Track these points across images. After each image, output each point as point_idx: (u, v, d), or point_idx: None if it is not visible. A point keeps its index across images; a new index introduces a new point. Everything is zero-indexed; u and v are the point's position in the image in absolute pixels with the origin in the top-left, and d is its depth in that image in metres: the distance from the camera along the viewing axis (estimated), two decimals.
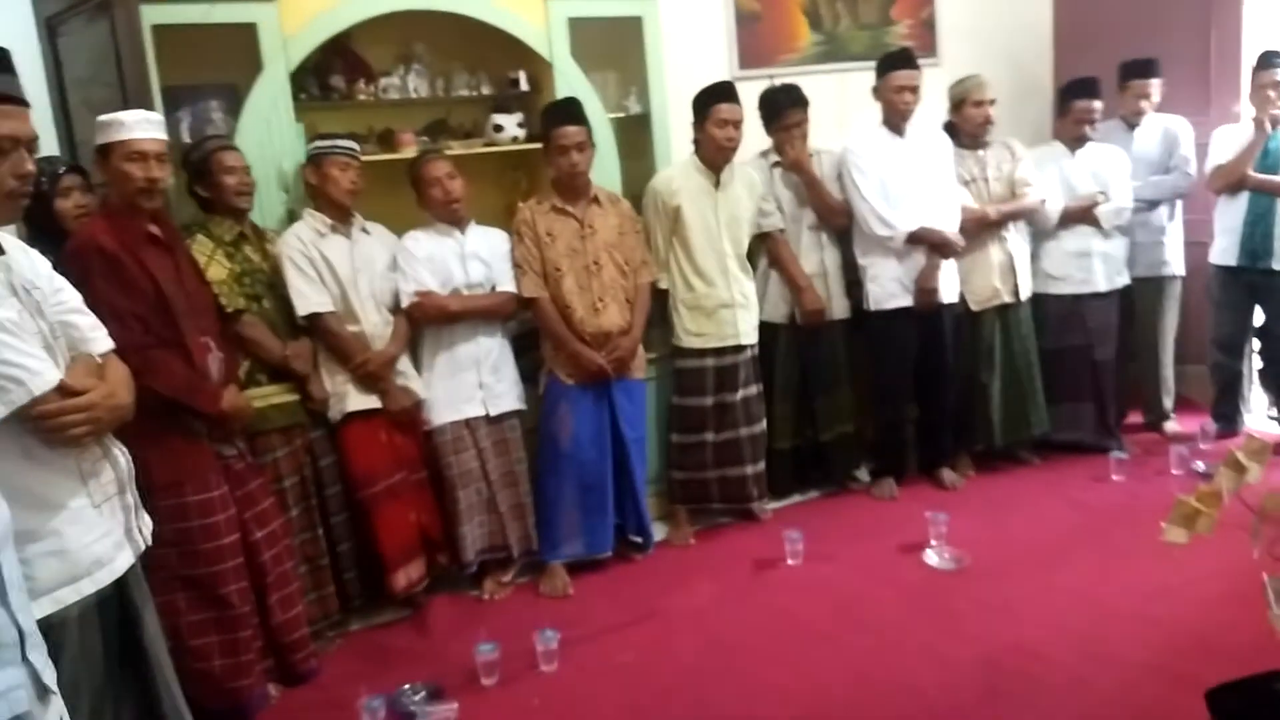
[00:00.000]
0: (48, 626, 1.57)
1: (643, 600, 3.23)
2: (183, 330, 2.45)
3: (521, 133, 3.57)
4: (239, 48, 3.08)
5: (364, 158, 3.18)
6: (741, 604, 3.17)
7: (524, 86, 3.61)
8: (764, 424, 3.77)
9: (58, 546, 1.62)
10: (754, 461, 3.74)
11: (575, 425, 3.37)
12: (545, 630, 2.86)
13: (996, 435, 4.08)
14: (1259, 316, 4.14)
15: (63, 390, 1.64)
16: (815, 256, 3.84)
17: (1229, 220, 4.05)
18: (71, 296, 1.82)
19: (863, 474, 4.08)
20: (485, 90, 3.64)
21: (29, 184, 1.65)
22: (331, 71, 3.42)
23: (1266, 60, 3.82)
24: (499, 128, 3.55)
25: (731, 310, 3.63)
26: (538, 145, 3.42)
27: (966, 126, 3.94)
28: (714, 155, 3.57)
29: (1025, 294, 4.03)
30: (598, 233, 3.36)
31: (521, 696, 2.71)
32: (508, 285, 3.28)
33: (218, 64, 3.18)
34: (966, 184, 3.93)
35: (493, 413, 3.28)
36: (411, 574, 3.14)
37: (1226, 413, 4.28)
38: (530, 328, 3.44)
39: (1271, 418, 4.22)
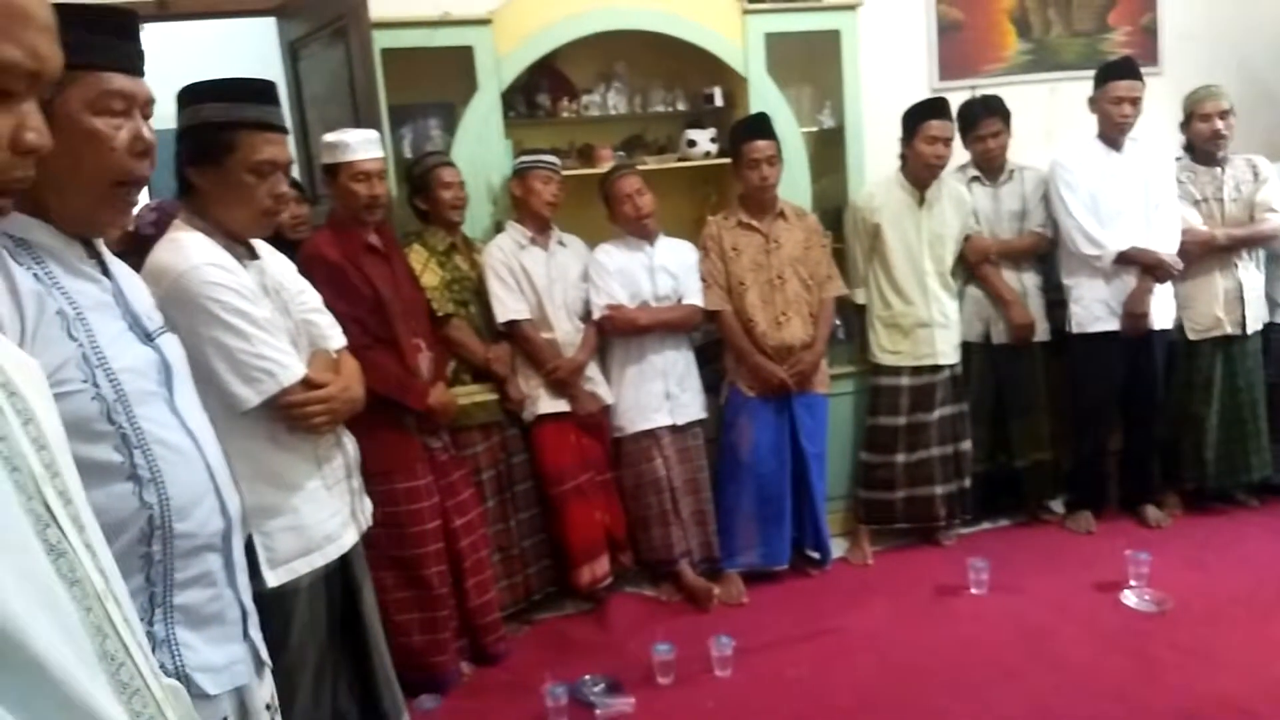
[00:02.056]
0: (283, 594, 1.77)
1: (817, 615, 3.22)
2: (397, 332, 2.68)
3: (714, 148, 3.64)
4: (456, 69, 3.32)
5: (564, 172, 3.35)
6: (919, 629, 3.11)
7: (718, 102, 3.68)
8: (965, 444, 3.68)
9: (295, 523, 1.82)
10: (945, 482, 3.65)
11: (755, 436, 3.41)
12: (721, 636, 2.91)
13: (1210, 474, 3.79)
14: None
15: (307, 383, 1.83)
16: (1013, 276, 3.71)
17: None
18: (313, 297, 2.03)
19: (1057, 505, 3.90)
20: (680, 106, 3.74)
21: (283, 204, 1.85)
22: (538, 90, 3.61)
23: None
24: (692, 143, 3.65)
25: (930, 329, 3.57)
26: (728, 160, 3.49)
27: (1196, 141, 3.69)
28: (921, 172, 3.53)
29: (1254, 326, 3.71)
30: (783, 247, 3.38)
31: (696, 698, 2.77)
32: (694, 298, 3.36)
33: (437, 84, 3.44)
34: (1197, 203, 3.68)
35: (678, 422, 3.37)
36: (596, 570, 3.27)
37: None
38: (714, 339, 3.51)
39: None
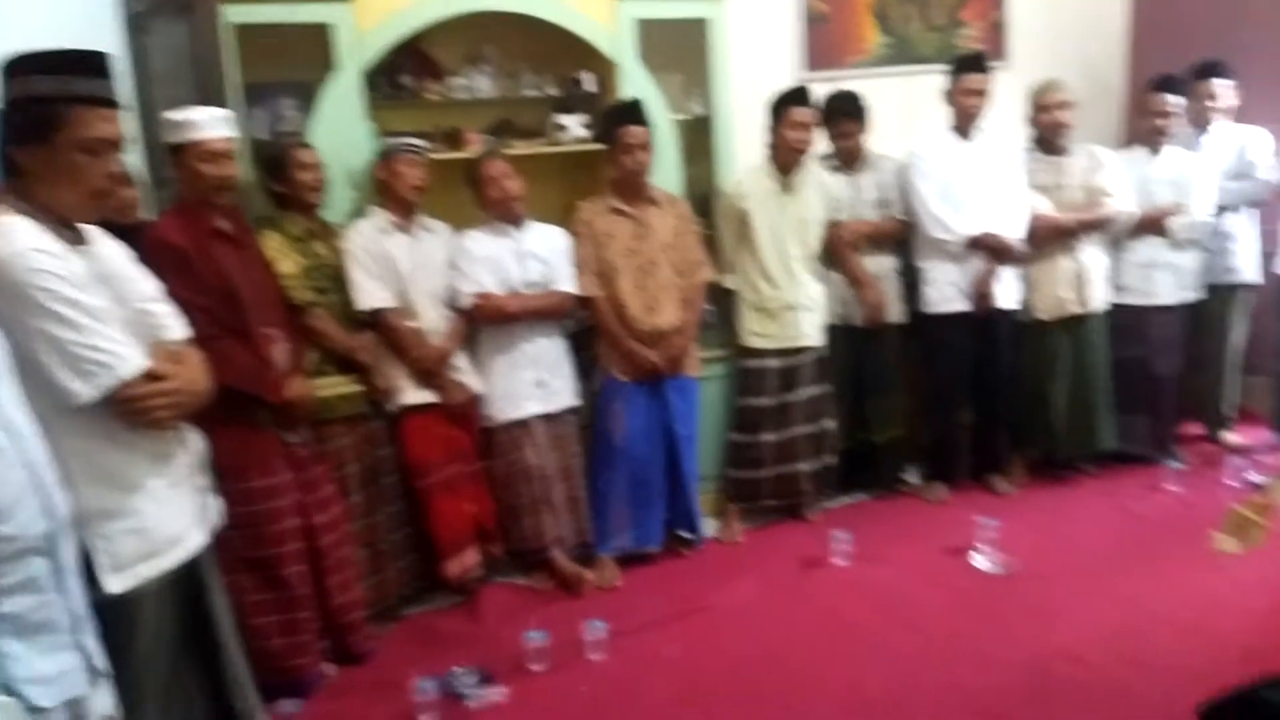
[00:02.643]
0: (126, 601, 1.68)
1: (690, 595, 3.28)
2: (249, 322, 2.57)
3: (585, 133, 3.63)
4: (314, 47, 3.19)
5: (431, 156, 3.28)
6: (788, 602, 3.21)
7: (589, 87, 3.67)
8: (829, 422, 3.79)
9: (137, 525, 1.73)
10: (811, 459, 3.77)
11: (629, 421, 3.43)
12: (594, 620, 2.93)
13: (1059, 445, 4.04)
14: None
15: (148, 375, 1.74)
16: (872, 260, 3.84)
17: None
18: (149, 286, 1.92)
19: (913, 477, 4.08)
20: (550, 91, 3.71)
21: (117, 185, 1.75)
22: (402, 71, 3.51)
23: None
24: (562, 128, 3.63)
25: (796, 313, 3.66)
26: (600, 146, 3.49)
27: (1041, 131, 3.90)
28: (786, 158, 3.60)
29: (1098, 306, 3.95)
30: (654, 233, 3.41)
31: (569, 683, 2.78)
32: (565, 284, 3.34)
33: (294, 62, 3.30)
34: (1044, 191, 3.87)
35: (551, 410, 3.36)
36: (465, 562, 3.23)
37: None
38: (587, 325, 3.50)
39: None
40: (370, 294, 3.07)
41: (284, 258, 2.92)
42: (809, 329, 3.69)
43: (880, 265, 3.85)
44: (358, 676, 2.90)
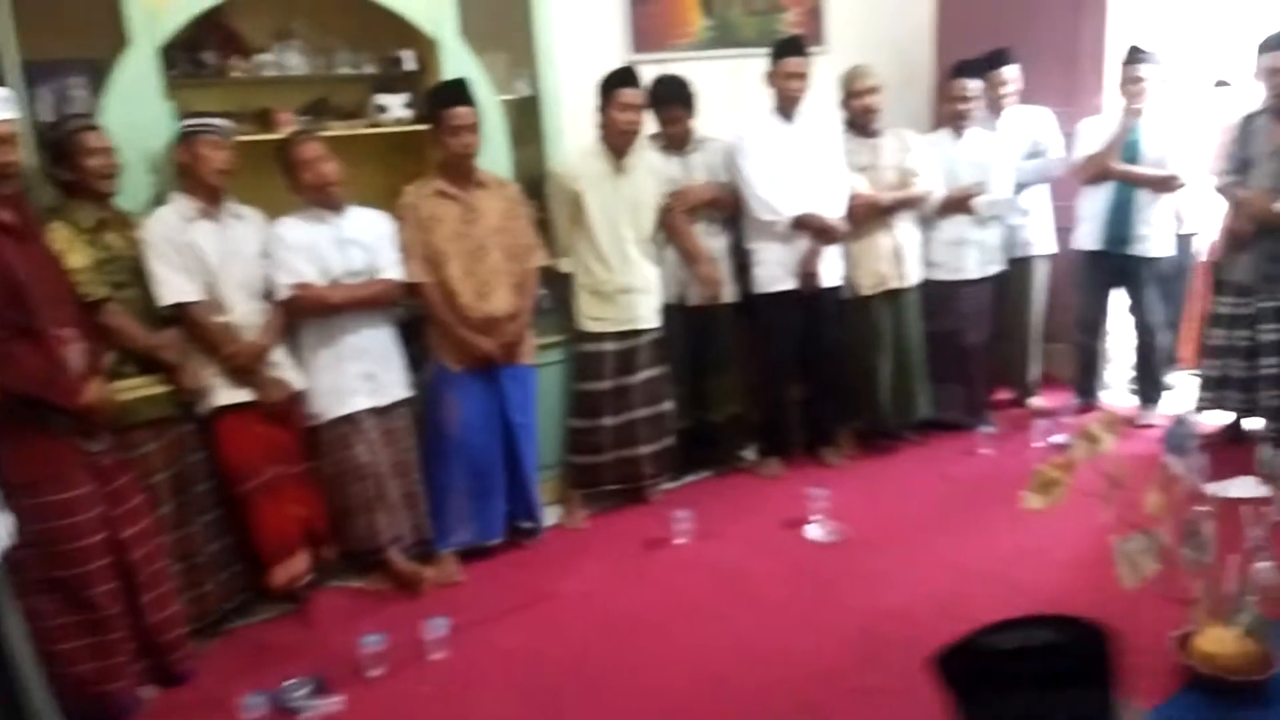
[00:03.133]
0: None
1: (533, 584, 3.25)
2: (38, 322, 2.34)
3: (407, 114, 3.50)
4: (104, 20, 2.94)
5: (239, 138, 3.09)
6: (631, 584, 3.23)
7: (409, 66, 3.54)
8: (667, 404, 3.83)
9: None
10: (651, 442, 3.79)
11: (463, 412, 3.35)
12: (434, 618, 2.86)
13: (884, 415, 4.23)
14: (1121, 298, 4.37)
15: None
16: (703, 242, 3.90)
17: (1092, 207, 4.26)
18: None
19: (750, 453, 4.18)
20: (368, 69, 3.56)
21: None
22: (204, 47, 3.28)
23: (1133, 56, 4.00)
24: (383, 108, 3.48)
25: (632, 295, 3.66)
26: (424, 127, 3.37)
27: (852, 115, 4.04)
28: (616, 139, 3.58)
29: (913, 280, 4.16)
30: (484, 217, 3.33)
31: (409, 685, 2.71)
32: (391, 272, 3.22)
33: (82, 38, 3.02)
34: (861, 172, 4.02)
35: (381, 404, 3.23)
36: (292, 568, 3.08)
37: (1086, 388, 4.54)
38: (416, 314, 3.39)
39: (1131, 392, 4.48)
40: (173, 287, 2.86)
41: (74, 251, 2.67)
42: (645, 311, 3.71)
43: (713, 247, 3.91)
44: (180, 697, 2.72)
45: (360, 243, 3.18)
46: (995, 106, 4.36)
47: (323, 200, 3.13)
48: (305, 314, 3.12)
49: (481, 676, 2.74)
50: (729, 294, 3.95)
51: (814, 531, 3.47)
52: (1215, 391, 3.93)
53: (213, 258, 2.94)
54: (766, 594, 3.08)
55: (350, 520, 3.21)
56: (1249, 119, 3.74)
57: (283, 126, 3.32)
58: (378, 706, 2.62)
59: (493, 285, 3.32)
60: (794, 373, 4.08)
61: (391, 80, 3.55)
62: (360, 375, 3.18)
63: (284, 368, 3.09)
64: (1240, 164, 3.73)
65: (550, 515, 3.71)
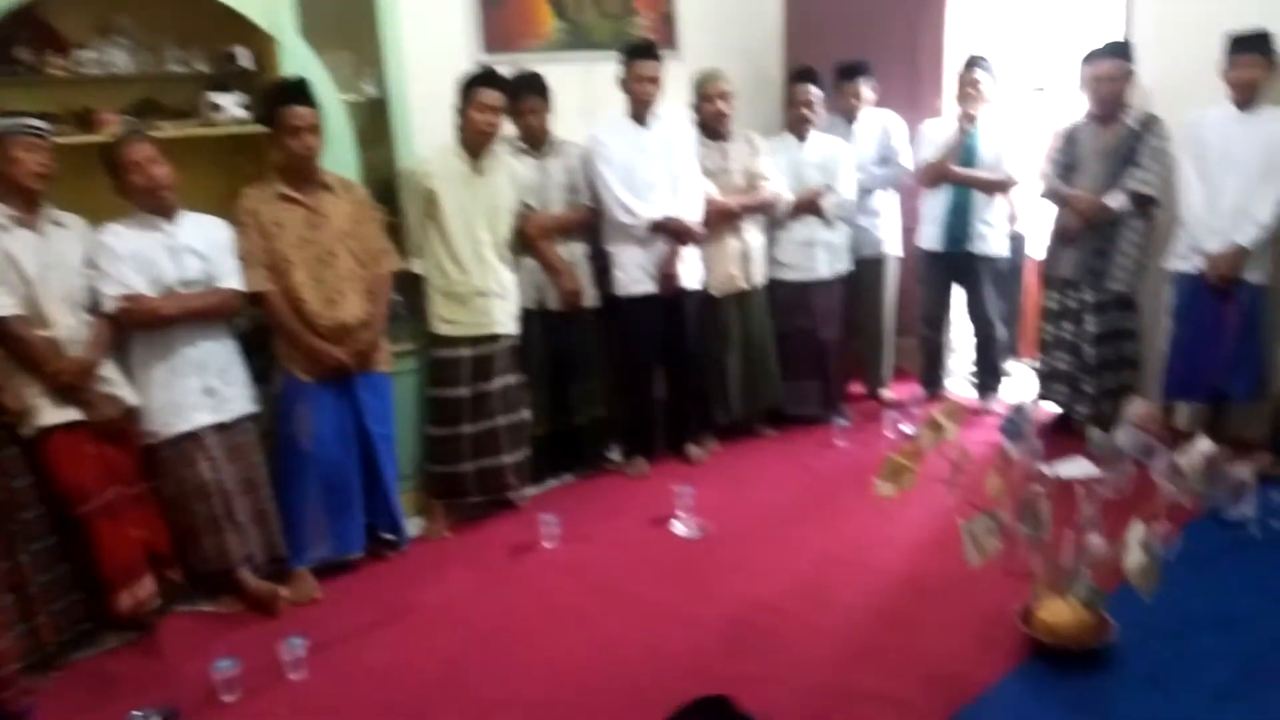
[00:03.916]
0: None
1: (397, 597, 3.16)
2: None
3: (244, 114, 3.35)
4: None
5: (57, 139, 2.88)
6: (498, 592, 3.18)
7: (245, 64, 3.38)
8: (525, 412, 3.79)
9: None
10: (512, 450, 3.74)
11: (316, 424, 3.22)
12: (292, 638, 2.74)
13: (735, 410, 4.33)
14: (961, 295, 4.61)
15: None
16: (564, 247, 3.88)
17: (933, 209, 4.47)
18: None
19: (615, 454, 4.19)
20: (200, 67, 3.37)
21: None
22: (16, 43, 3.05)
23: (970, 63, 4.23)
24: (217, 107, 3.32)
25: (487, 299, 3.60)
26: (261, 128, 3.23)
27: (703, 119, 4.11)
28: (474, 140, 3.53)
29: (760, 281, 4.28)
30: (330, 221, 3.21)
31: (267, 709, 2.58)
32: (230, 280, 3.06)
33: None
34: (710, 175, 4.09)
35: (224, 419, 3.08)
36: (138, 593, 2.89)
37: (932, 380, 4.76)
38: (260, 324, 3.24)
39: (973, 383, 4.73)
40: None
41: None
42: (501, 316, 3.66)
43: (572, 252, 3.90)
44: None
45: (195, 250, 3.01)
46: (850, 114, 4.52)
47: (154, 205, 2.95)
48: (136, 327, 2.94)
49: (344, 695, 2.63)
50: (590, 298, 3.95)
51: (680, 528, 3.50)
52: (1047, 383, 4.19)
53: (31, 268, 2.73)
54: (635, 593, 3.09)
55: (197, 541, 3.04)
56: (1074, 126, 4.01)
57: (106, 127, 3.12)
58: None
59: (342, 292, 3.20)
60: (656, 373, 4.12)
61: (226, 78, 3.38)
62: (200, 390, 3.02)
63: (115, 384, 2.90)
64: (1065, 168, 3.99)
65: (413, 526, 3.61)
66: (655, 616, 2.94)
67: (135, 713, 2.49)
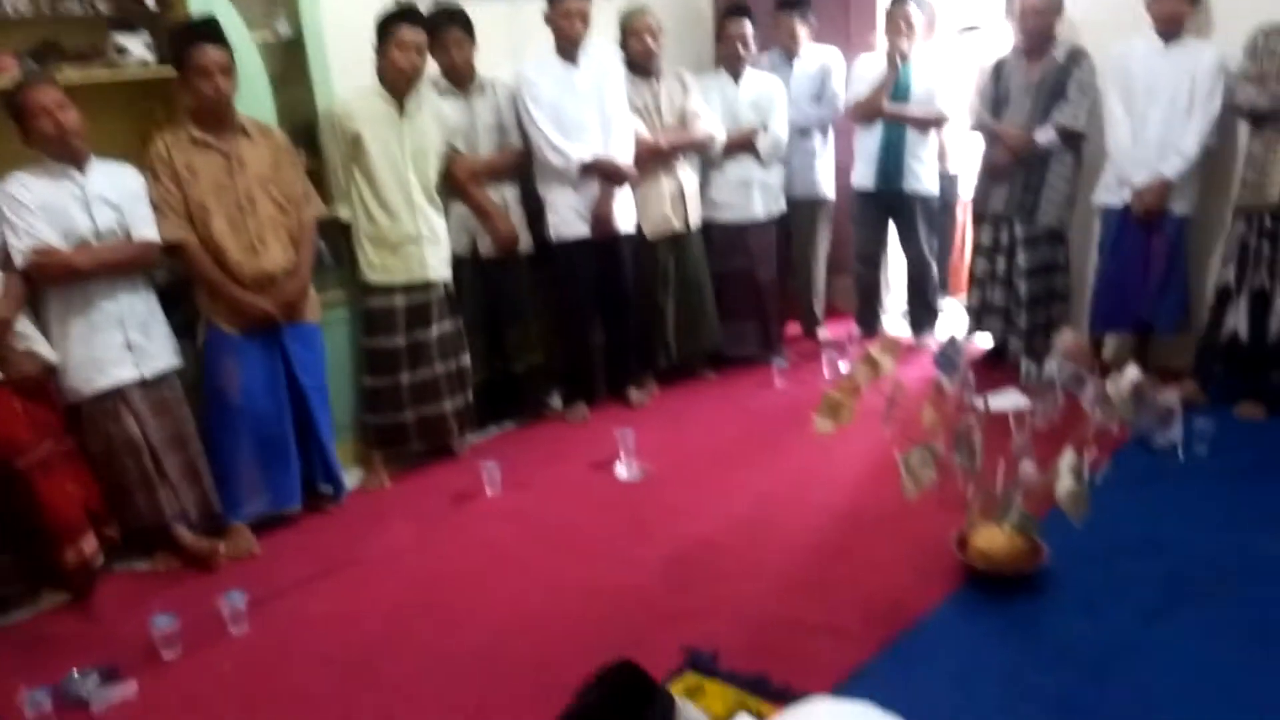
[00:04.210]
0: None
1: (337, 550, 3.12)
2: None
3: (151, 55, 3.18)
4: None
5: None
6: (440, 540, 3.15)
7: (150, 3, 3.20)
8: (465, 358, 3.74)
9: None
10: (453, 397, 3.70)
11: (244, 378, 3.13)
12: (230, 592, 2.70)
13: (674, 353, 4.33)
14: (894, 233, 4.63)
15: None
16: (495, 190, 3.80)
17: (866, 147, 4.47)
18: None
19: (555, 401, 4.17)
20: (102, 7, 3.19)
21: None
22: None
23: None
24: (122, 49, 3.14)
25: (418, 245, 3.52)
26: (172, 70, 3.07)
27: (631, 56, 4.03)
28: (397, 81, 3.41)
29: (695, 223, 4.25)
30: (248, 166, 3.09)
31: (209, 664, 2.54)
32: (146, 231, 2.93)
33: None
34: (641, 114, 4.03)
35: (147, 374, 2.97)
36: (83, 549, 2.82)
37: (867, 318, 4.81)
38: (179, 276, 3.13)
39: (907, 320, 4.79)
40: None
41: None
42: (434, 262, 3.59)
43: (504, 195, 3.82)
44: None
45: (108, 200, 2.88)
46: (789, 50, 4.47)
47: (63, 154, 2.81)
48: (49, 282, 2.81)
49: (288, 648, 2.60)
50: (524, 243, 3.89)
51: (622, 471, 3.51)
52: (978, 318, 4.26)
53: None
54: (578, 536, 3.10)
55: (128, 498, 2.96)
56: (1002, 60, 4.02)
57: (5, 73, 2.93)
58: (177, 689, 2.45)
59: (264, 240, 3.10)
60: (594, 318, 4.09)
61: (130, 18, 3.20)
62: (121, 345, 2.91)
63: (32, 340, 2.78)
64: (995, 103, 4.01)
65: (351, 478, 3.56)
66: (598, 558, 2.95)
67: (74, 672, 2.44)
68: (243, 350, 3.12)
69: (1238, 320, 3.53)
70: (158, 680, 2.48)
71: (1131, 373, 2.56)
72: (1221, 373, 3.66)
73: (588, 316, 4.07)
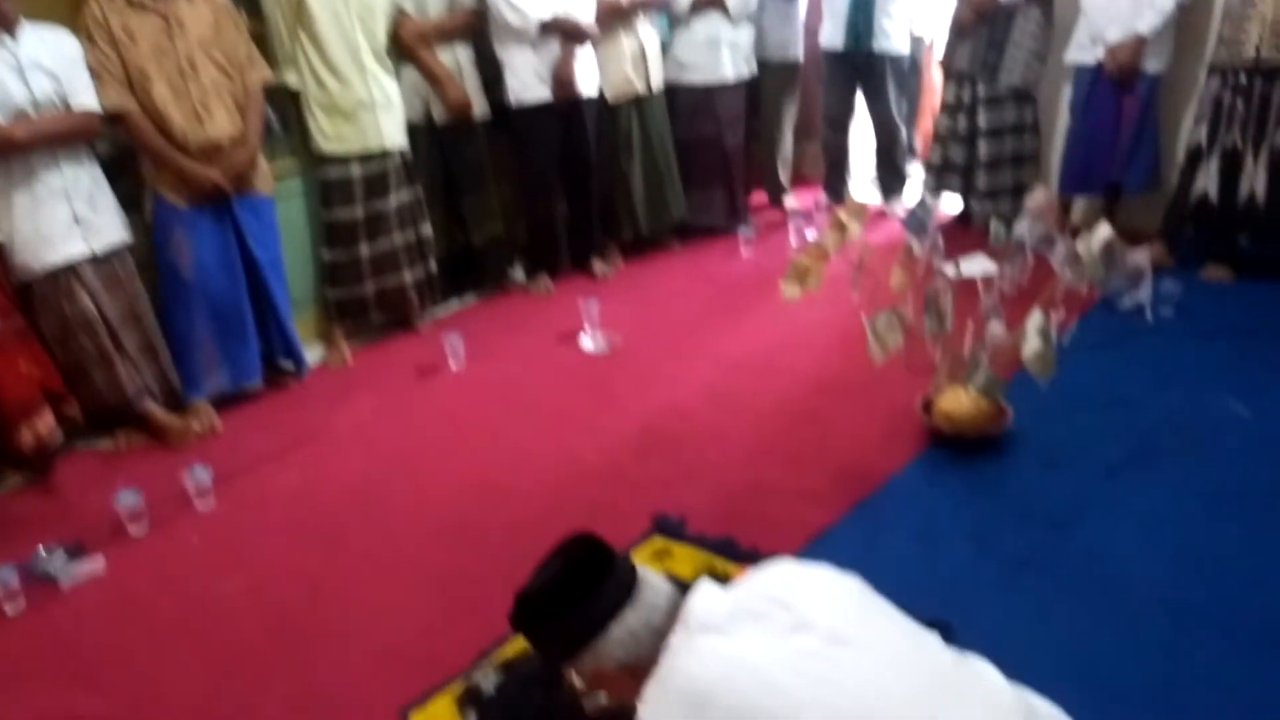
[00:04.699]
0: None
1: (300, 424, 3.10)
2: None
3: None
4: None
5: None
6: (405, 413, 3.13)
7: None
8: (425, 227, 3.65)
9: None
10: (413, 268, 3.62)
11: (196, 251, 3.03)
12: (195, 467, 2.67)
13: (641, 223, 4.24)
14: (863, 96, 4.51)
15: None
16: (447, 54, 3.63)
17: (835, 4, 4.30)
18: None
19: (518, 273, 4.10)
20: None
21: None
22: None
23: None
24: None
25: (372, 112, 3.38)
26: None
27: None
28: None
29: (657, 84, 4.10)
30: (188, 28, 2.91)
31: (176, 538, 2.54)
32: (86, 99, 2.76)
33: None
34: None
35: (96, 249, 2.85)
36: (39, 428, 2.75)
37: (835, 185, 4.74)
38: (123, 147, 2.97)
39: (875, 185, 4.72)
40: None
41: None
42: (389, 130, 3.45)
43: (457, 58, 3.65)
44: None
45: (44, 68, 2.69)
46: None
47: None
48: None
49: (255, 521, 2.60)
50: (480, 108, 3.73)
51: (588, 343, 3.48)
52: (939, 175, 4.20)
53: None
54: (545, 407, 3.09)
55: (87, 376, 2.89)
56: None
57: None
58: (145, 563, 2.45)
59: (209, 106, 2.94)
60: (557, 187, 3.98)
61: None
62: (68, 219, 2.78)
63: None
64: None
65: (312, 354, 3.51)
66: (566, 428, 2.94)
67: (41, 549, 2.43)
68: (192, 223, 3.00)
69: (1208, 181, 3.50)
70: (125, 555, 2.47)
71: (1104, 231, 2.52)
72: (1190, 235, 3.66)
73: (549, 185, 3.96)
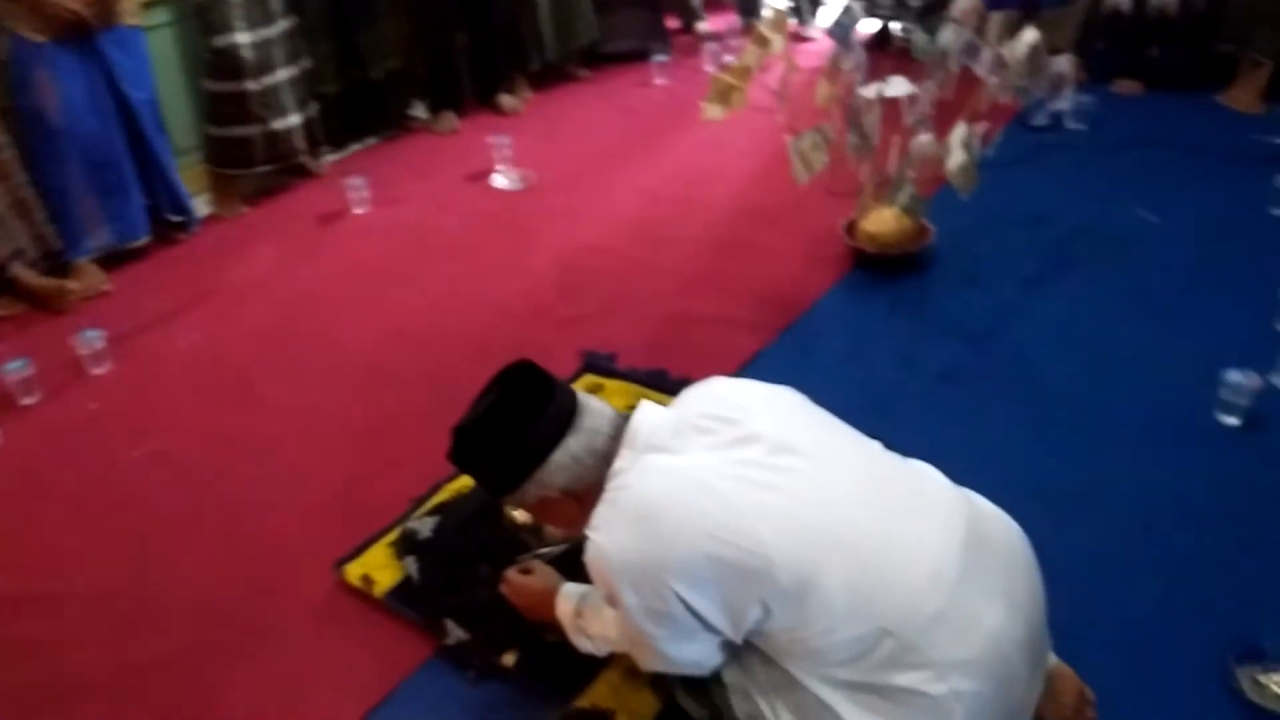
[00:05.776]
0: None
1: (197, 279, 2.91)
2: None
3: None
4: None
5: None
6: (310, 261, 2.97)
7: None
8: (306, 61, 3.36)
9: None
10: (300, 108, 3.35)
11: (62, 93, 2.73)
12: (85, 331, 2.50)
13: (549, 50, 4.01)
14: None
15: None
16: None
17: None
18: None
19: (420, 110, 3.85)
20: None
21: None
22: None
23: None
24: None
25: None
26: None
27: None
28: None
29: None
30: None
31: (73, 405, 2.39)
32: None
33: None
34: None
35: None
36: None
37: (749, 7, 4.53)
38: None
39: (790, 8, 4.53)
40: None
41: None
42: None
43: None
44: None
45: None
46: None
47: None
48: None
49: (157, 381, 2.46)
50: None
51: (500, 181, 3.33)
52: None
53: None
54: (460, 249, 2.96)
55: None
56: None
57: None
58: (41, 434, 2.30)
59: None
60: (457, 16, 3.69)
61: None
62: None
63: None
64: None
65: (202, 205, 3.27)
66: (484, 269, 2.83)
67: None
68: (55, 61, 2.69)
69: None
70: (20, 426, 2.32)
71: (1029, 35, 2.45)
72: (1103, 48, 3.65)
73: (448, 13, 3.66)
